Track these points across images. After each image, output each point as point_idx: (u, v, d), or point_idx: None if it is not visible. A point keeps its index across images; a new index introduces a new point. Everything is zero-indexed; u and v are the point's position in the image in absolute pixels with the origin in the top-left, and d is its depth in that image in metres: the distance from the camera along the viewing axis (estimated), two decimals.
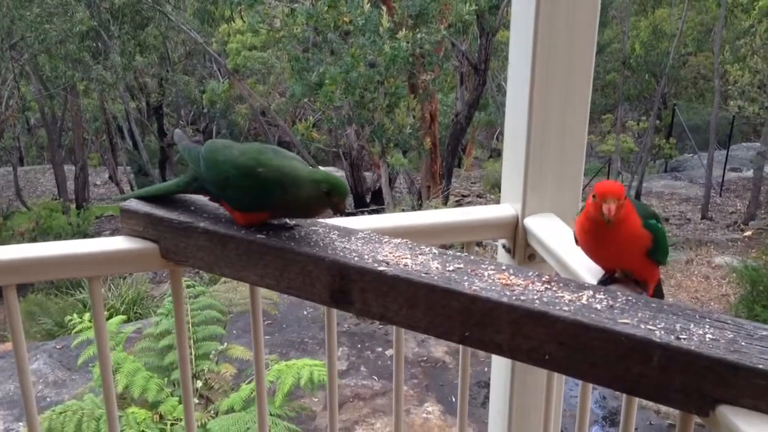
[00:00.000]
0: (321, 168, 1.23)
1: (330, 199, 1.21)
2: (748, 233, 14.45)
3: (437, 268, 1.13)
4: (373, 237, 1.24)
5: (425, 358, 9.20)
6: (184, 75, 21.41)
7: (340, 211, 1.24)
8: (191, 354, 5.96)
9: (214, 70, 21.55)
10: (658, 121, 19.84)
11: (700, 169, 18.83)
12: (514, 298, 1.03)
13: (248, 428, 5.26)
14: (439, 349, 9.21)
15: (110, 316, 6.64)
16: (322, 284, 1.18)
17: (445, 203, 13.31)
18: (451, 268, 1.13)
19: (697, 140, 21.14)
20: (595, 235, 1.12)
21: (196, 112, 22.73)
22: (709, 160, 16.17)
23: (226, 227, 1.26)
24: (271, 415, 5.61)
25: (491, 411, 1.75)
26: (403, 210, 12.49)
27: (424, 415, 8.20)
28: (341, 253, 1.17)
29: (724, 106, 18.77)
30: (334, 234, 1.25)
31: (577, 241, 1.19)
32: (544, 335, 1.00)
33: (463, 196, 18.01)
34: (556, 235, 1.39)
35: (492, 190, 17.94)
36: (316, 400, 7.96)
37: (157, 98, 20.70)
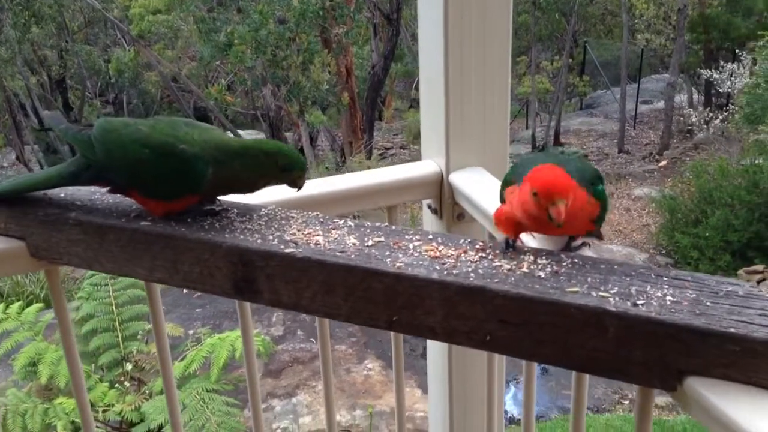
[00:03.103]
0: (242, 134, 1.03)
1: (287, 174, 1.06)
2: (663, 163, 14.86)
3: (354, 244, 0.97)
4: (279, 213, 1.07)
5: None
6: (85, 45, 20.45)
7: (299, 186, 1.09)
8: (118, 336, 5.75)
9: (117, 37, 20.66)
10: (570, 60, 20.05)
11: (613, 104, 19.20)
12: (445, 272, 0.89)
13: (184, 407, 5.13)
14: None
15: (29, 304, 6.36)
16: (222, 274, 1.00)
17: (368, 157, 13.16)
18: (370, 242, 0.97)
19: (608, 76, 21.53)
20: (541, 227, 0.95)
21: (103, 83, 21.76)
22: (622, 94, 16.48)
23: (102, 216, 1.06)
24: (207, 391, 5.47)
25: (429, 375, 1.63)
26: (327, 168, 12.28)
27: (365, 372, 8.18)
28: (241, 236, 1.00)
29: (632, 40, 19.11)
30: (232, 213, 1.07)
31: (502, 201, 1.02)
32: (482, 313, 0.86)
33: (386, 148, 17.88)
34: (485, 191, 1.25)
35: (415, 141, 17.85)
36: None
37: (59, 71, 19.66)
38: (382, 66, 13.95)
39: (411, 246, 0.96)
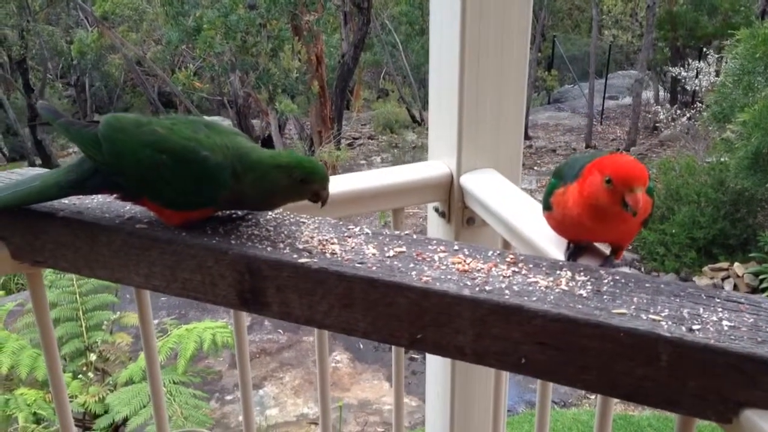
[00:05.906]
0: (281, 151, 0.91)
1: (307, 187, 0.95)
2: None
3: (374, 254, 0.89)
4: (287, 217, 0.99)
5: None
6: (47, 25, 19.94)
7: (323, 200, 0.97)
8: (82, 326, 5.62)
9: (80, 18, 20.22)
10: (539, 54, 20.13)
11: (581, 99, 19.34)
12: (477, 289, 0.81)
13: (150, 400, 5.03)
14: None
15: None
16: (226, 283, 0.92)
17: (338, 147, 13.03)
18: (391, 253, 0.89)
19: (576, 71, 21.69)
20: (602, 220, 0.88)
21: (65, 64, 21.27)
22: (590, 89, 16.58)
23: (95, 216, 0.97)
24: (174, 383, 5.37)
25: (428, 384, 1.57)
26: None
27: (333, 364, 8.11)
28: (248, 243, 0.91)
29: (599, 36, 19.23)
30: (236, 215, 0.98)
31: (548, 209, 0.95)
32: (518, 334, 0.79)
33: (355, 138, 17.75)
34: (499, 194, 1.18)
35: (383, 131, 17.76)
36: (222, 359, 7.69)
37: (19, 51, 19.12)
38: (351, 55, 13.79)
39: (436, 258, 0.88)
